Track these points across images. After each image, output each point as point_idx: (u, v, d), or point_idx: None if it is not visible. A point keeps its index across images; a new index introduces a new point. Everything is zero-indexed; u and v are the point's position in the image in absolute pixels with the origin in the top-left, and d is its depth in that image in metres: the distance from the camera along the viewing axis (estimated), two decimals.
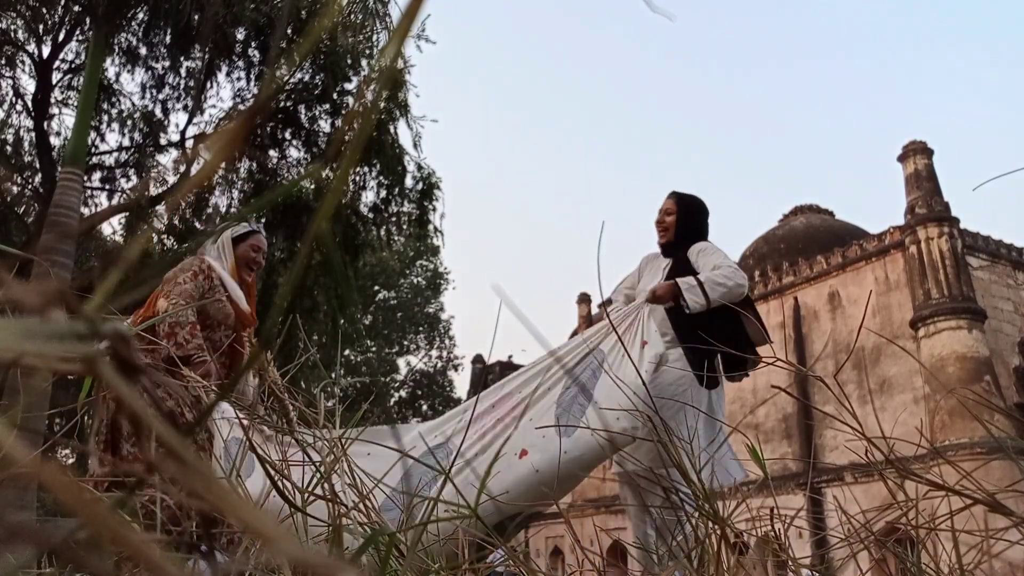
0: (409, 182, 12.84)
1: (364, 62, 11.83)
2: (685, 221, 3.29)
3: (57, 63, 12.39)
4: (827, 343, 19.77)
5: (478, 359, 35.14)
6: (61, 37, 12.19)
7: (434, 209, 13.11)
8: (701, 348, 2.64)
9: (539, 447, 2.63)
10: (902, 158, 19.30)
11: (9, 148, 13.37)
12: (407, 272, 33.17)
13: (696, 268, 3.11)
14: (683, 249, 3.23)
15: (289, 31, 10.87)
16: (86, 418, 2.45)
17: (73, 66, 12.75)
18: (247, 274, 3.33)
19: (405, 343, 34.33)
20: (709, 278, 2.98)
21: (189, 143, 12.93)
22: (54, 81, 12.44)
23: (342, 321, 12.98)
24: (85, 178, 11.31)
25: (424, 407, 34.58)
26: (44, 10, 11.69)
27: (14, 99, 12.89)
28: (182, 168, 12.77)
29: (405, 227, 13.56)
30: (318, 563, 0.23)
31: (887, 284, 19.13)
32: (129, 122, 13.01)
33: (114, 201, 13.46)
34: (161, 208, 12.02)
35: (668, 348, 2.95)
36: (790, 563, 1.16)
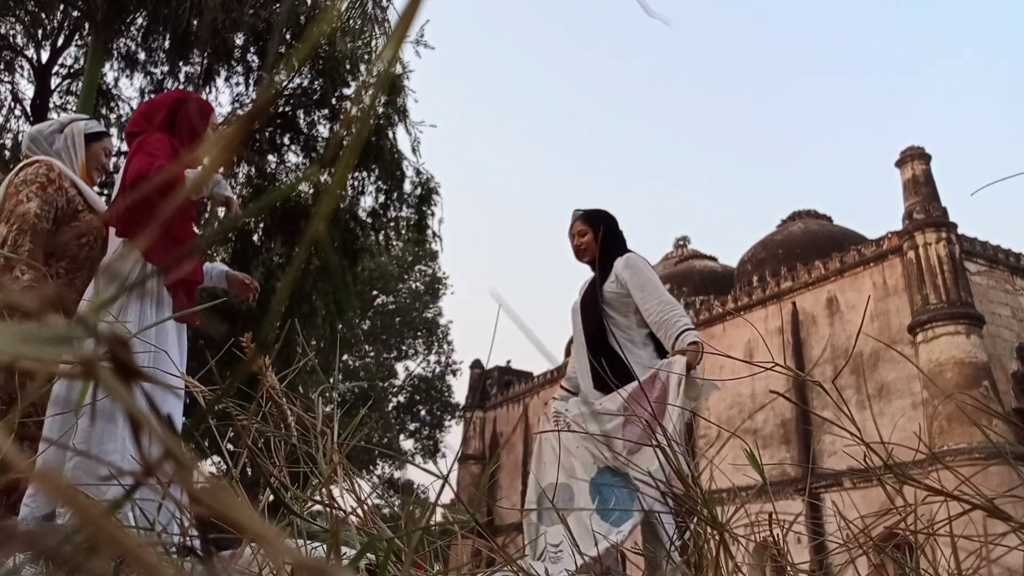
0: (408, 187, 12.86)
1: (363, 67, 11.86)
2: (603, 238, 3.19)
3: (56, 68, 12.40)
4: (825, 348, 19.77)
5: (476, 364, 35.13)
6: (60, 42, 12.20)
7: (432, 214, 13.12)
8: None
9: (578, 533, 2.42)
10: (900, 163, 19.34)
11: (7, 153, 13.36)
12: (405, 277, 33.15)
13: (622, 282, 3.03)
14: (608, 266, 3.12)
15: (287, 36, 10.88)
16: None
17: (72, 71, 12.76)
18: (96, 177, 2.87)
19: (403, 348, 34.31)
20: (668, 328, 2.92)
21: None
22: (53, 86, 12.45)
23: (340, 326, 12.96)
24: None
25: (423, 412, 34.55)
26: (43, 15, 11.71)
27: (13, 104, 12.89)
28: None
29: (404, 232, 13.56)
30: (316, 567, 0.23)
31: (885, 289, 19.14)
32: None
33: None
34: None
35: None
36: (789, 569, 1.16)
